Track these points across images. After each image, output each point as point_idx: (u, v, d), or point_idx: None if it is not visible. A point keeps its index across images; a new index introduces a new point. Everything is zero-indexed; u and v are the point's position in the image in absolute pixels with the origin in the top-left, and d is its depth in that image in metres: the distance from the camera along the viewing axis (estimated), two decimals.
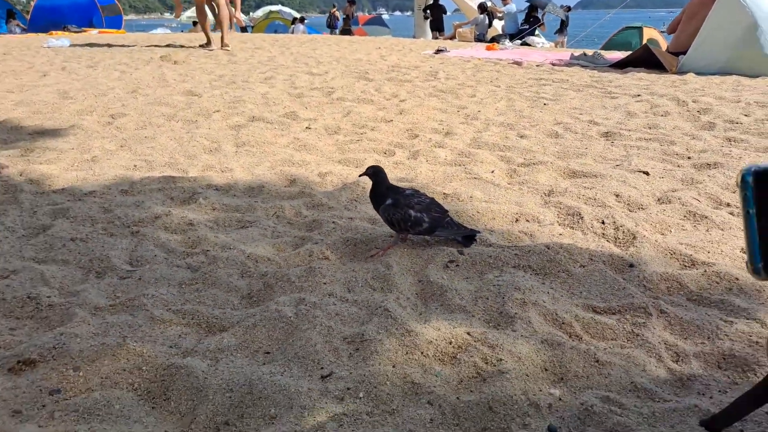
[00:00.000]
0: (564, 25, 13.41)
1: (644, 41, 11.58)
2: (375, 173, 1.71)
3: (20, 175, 2.41)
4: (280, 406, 1.10)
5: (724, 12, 5.69)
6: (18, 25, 13.43)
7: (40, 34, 10.46)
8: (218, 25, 7.62)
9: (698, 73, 5.63)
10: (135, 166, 2.60)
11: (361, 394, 1.14)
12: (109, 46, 7.98)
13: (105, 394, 1.15)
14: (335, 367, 1.23)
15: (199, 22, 8.06)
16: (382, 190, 1.71)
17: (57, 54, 6.87)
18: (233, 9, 7.83)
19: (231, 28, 7.97)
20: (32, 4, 13.10)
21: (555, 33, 13.60)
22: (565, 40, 13.21)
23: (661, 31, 13.22)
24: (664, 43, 10.80)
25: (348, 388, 1.15)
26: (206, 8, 7.54)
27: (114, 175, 2.45)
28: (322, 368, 1.22)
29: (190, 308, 1.47)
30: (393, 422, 1.07)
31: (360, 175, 1.79)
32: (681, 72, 5.78)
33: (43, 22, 11.73)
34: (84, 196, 2.21)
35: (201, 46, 7.69)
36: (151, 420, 1.10)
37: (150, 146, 2.87)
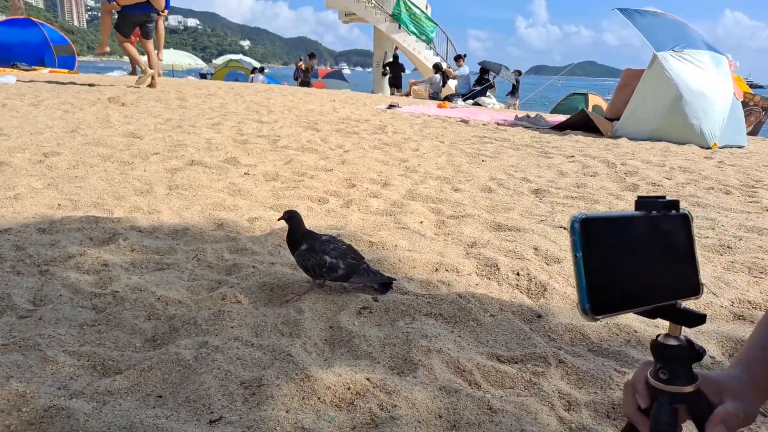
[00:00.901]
0: (515, 88, 14.08)
1: (590, 107, 12.24)
2: (290, 217, 1.73)
3: None
4: None
5: (652, 84, 6.11)
6: None
7: None
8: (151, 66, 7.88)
9: (631, 138, 5.98)
10: (59, 205, 2.54)
11: None
12: (58, 84, 7.88)
13: None
14: (226, 411, 1.20)
15: (132, 59, 8.20)
16: (298, 236, 1.72)
17: (0, 90, 6.73)
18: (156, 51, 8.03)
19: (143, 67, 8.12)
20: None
21: (507, 95, 14.24)
22: (517, 103, 13.83)
23: (606, 99, 14.00)
24: None
25: None
26: (130, 48, 7.78)
27: (34, 213, 2.38)
28: (212, 412, 1.19)
29: (87, 350, 1.42)
30: None
31: (278, 219, 1.80)
32: (615, 136, 6.12)
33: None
34: None
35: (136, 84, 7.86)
36: None
37: (78, 186, 2.81)
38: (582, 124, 6.65)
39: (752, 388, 0.71)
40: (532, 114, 7.46)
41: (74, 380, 1.31)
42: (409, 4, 18.21)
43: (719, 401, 0.68)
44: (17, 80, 7.94)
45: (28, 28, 12.46)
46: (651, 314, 0.65)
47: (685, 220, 0.67)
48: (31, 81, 8.18)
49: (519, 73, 14.83)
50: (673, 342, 0.65)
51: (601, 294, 0.58)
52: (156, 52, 7.91)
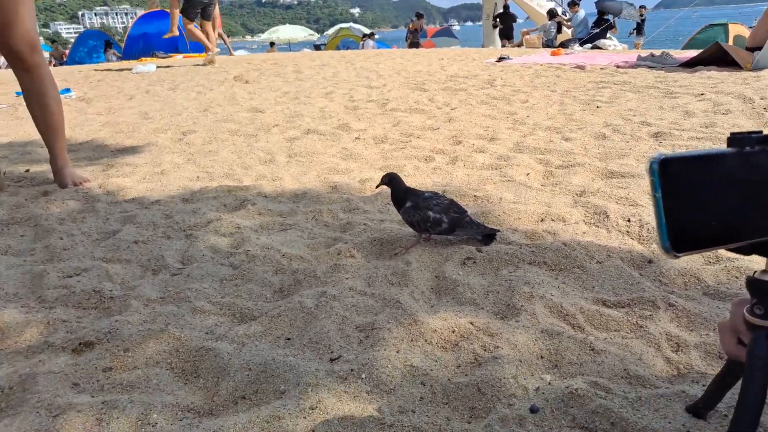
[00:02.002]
0: (640, 26, 12.97)
1: (730, 39, 10.97)
2: (390, 180, 1.82)
3: (99, 188, 2.73)
4: (289, 383, 1.23)
5: None
6: (114, 54, 14.70)
7: (132, 61, 11.41)
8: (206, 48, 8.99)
9: None
10: (197, 177, 2.86)
11: (363, 375, 1.25)
12: (192, 67, 8.60)
13: (147, 371, 1.33)
14: (344, 351, 1.35)
15: (199, 40, 9.02)
16: (401, 195, 1.82)
17: (143, 79, 7.50)
18: (210, 32, 8.90)
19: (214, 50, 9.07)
20: (126, 34, 14.27)
21: (630, 35, 13.17)
22: (642, 40, 12.76)
23: (750, 27, 12.44)
24: None
25: (352, 370, 1.27)
26: (195, 30, 8.60)
27: (178, 186, 2.71)
28: (332, 352, 1.35)
29: (227, 301, 1.64)
30: (387, 400, 1.18)
31: (377, 186, 1.91)
32: (757, 68, 5.48)
33: (135, 49, 12.77)
34: (150, 205, 2.47)
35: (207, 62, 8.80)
36: (181, 393, 1.27)
37: (212, 159, 3.13)
38: (717, 58, 6.01)
39: None
40: (657, 52, 6.87)
41: (218, 326, 1.53)
42: None
43: None
44: (157, 67, 8.78)
45: (163, 20, 13.59)
46: (746, 251, 0.65)
47: None
48: (168, 66, 9.00)
49: (644, 8, 13.59)
50: None
51: (682, 232, 0.60)
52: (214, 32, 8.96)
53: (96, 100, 5.76)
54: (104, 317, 1.59)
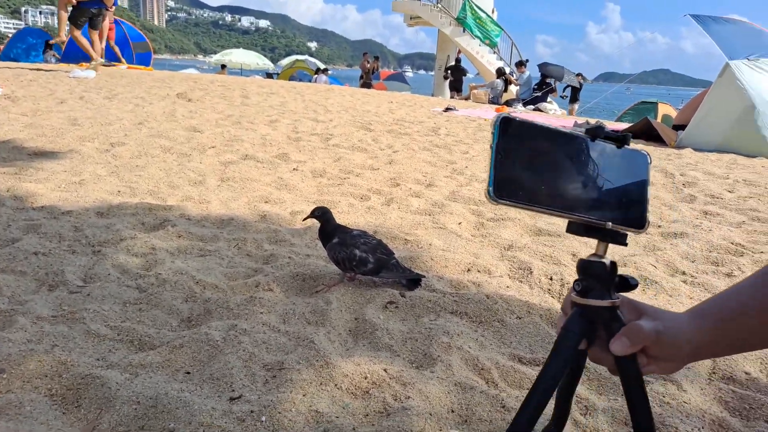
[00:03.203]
0: (576, 92, 13.72)
1: (659, 117, 11.76)
2: (322, 214, 1.78)
3: (6, 191, 2.52)
4: (180, 421, 1.13)
5: (722, 91, 5.83)
6: (54, 55, 14.07)
7: (71, 64, 10.94)
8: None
9: (696, 149, 5.72)
10: (119, 191, 2.70)
11: (263, 418, 1.17)
12: (132, 79, 8.33)
13: (21, 396, 1.19)
14: (246, 390, 1.26)
15: (83, 48, 9.13)
16: (330, 230, 1.77)
17: (79, 84, 7.18)
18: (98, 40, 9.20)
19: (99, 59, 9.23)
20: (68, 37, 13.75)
21: (563, 98, 13.86)
22: (576, 107, 13.48)
23: (677, 108, 13.40)
24: None
25: (252, 411, 1.18)
26: (81, 38, 8.74)
27: (95, 198, 2.55)
28: (233, 390, 1.25)
29: (127, 326, 1.51)
30: None
31: (304, 219, 1.86)
32: (680, 146, 5.88)
33: (76, 54, 12.27)
34: (60, 215, 2.30)
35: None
36: (57, 423, 1.14)
37: (138, 174, 2.98)
38: (645, 132, 6.42)
39: (690, 334, 0.69)
40: (593, 121, 7.26)
41: (112, 353, 1.41)
42: (475, 7, 18.11)
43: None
44: (96, 75, 8.44)
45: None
46: (582, 232, 0.70)
47: (634, 156, 0.72)
48: (109, 75, 8.68)
49: (581, 76, 14.44)
50: (592, 259, 0.69)
51: (504, 183, 0.65)
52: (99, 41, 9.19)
53: (23, 99, 5.44)
54: None
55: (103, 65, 11.07)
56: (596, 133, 0.69)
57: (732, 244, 2.48)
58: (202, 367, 1.34)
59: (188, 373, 1.33)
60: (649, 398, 0.72)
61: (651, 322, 0.69)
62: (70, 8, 8.45)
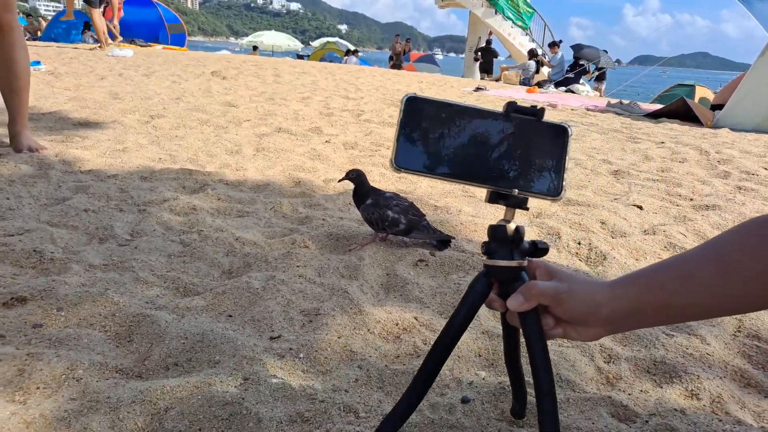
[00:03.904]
0: (603, 73, 13.44)
1: (696, 100, 11.47)
2: (356, 176, 1.84)
3: (55, 156, 2.65)
4: (225, 354, 1.21)
5: (764, 70, 5.67)
6: (92, 36, 14.40)
7: (110, 44, 11.20)
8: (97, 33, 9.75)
9: (734, 129, 5.59)
10: (160, 158, 2.81)
11: (301, 355, 1.24)
12: (169, 58, 8.50)
13: (78, 331, 1.29)
14: (285, 331, 1.34)
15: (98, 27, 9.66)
16: (364, 191, 1.83)
17: (118, 62, 7.37)
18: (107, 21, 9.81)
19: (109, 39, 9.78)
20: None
21: (589, 80, 13.60)
22: (603, 86, 13.21)
23: (716, 92, 13.02)
24: None
25: (290, 349, 1.26)
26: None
27: (138, 164, 2.66)
28: (272, 331, 1.33)
29: (172, 275, 1.61)
30: (322, 379, 1.17)
31: (339, 180, 1.92)
32: (716, 126, 5.76)
33: (113, 35, 12.54)
34: (107, 178, 2.41)
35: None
36: (111, 354, 1.23)
37: (178, 144, 3.09)
38: (681, 113, 6.29)
39: (609, 294, 0.70)
40: (626, 101, 7.15)
41: (159, 297, 1.50)
42: None
43: None
44: (133, 54, 8.64)
45: (146, 8, 13.46)
46: (492, 199, 0.76)
47: (552, 129, 0.76)
48: (146, 54, 8.87)
49: (619, 61, 14.13)
50: (499, 224, 0.75)
51: (405, 154, 0.71)
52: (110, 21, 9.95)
53: (66, 75, 5.63)
54: (41, 276, 1.54)
55: (142, 45, 11.32)
56: (510, 108, 0.74)
57: None
58: (243, 311, 1.43)
59: (230, 316, 1.42)
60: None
61: (552, 283, 0.72)
62: None
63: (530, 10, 18.29)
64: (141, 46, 11.40)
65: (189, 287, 1.56)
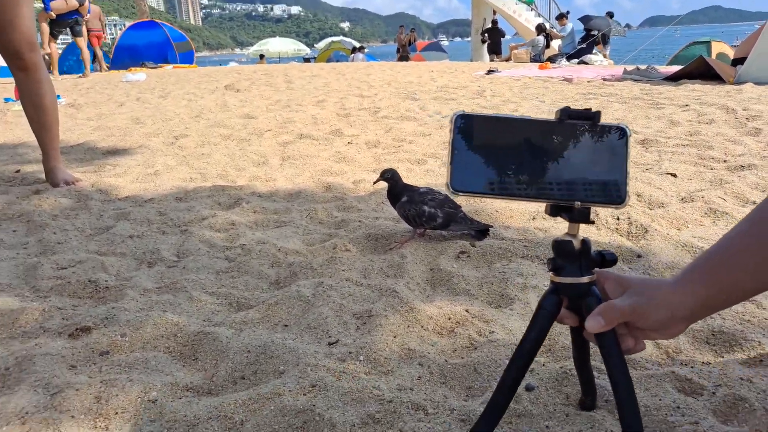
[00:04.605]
0: (606, 37, 13.20)
1: (713, 56, 11.21)
2: (391, 176, 1.86)
3: (92, 186, 2.73)
4: (289, 364, 1.25)
5: None
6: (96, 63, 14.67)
7: (121, 70, 11.40)
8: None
9: (758, 83, 5.47)
10: (191, 178, 2.87)
11: (361, 357, 1.27)
12: (180, 77, 8.62)
13: (145, 354, 1.34)
14: (342, 336, 1.37)
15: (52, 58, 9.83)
16: (398, 190, 1.85)
17: (133, 87, 7.50)
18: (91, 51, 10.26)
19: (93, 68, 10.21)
20: (115, 44, 14.29)
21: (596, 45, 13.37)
22: (608, 52, 12.96)
23: (733, 46, 12.70)
24: None
25: (350, 352, 1.29)
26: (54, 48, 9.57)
27: (171, 186, 2.72)
28: (329, 337, 1.37)
29: (224, 291, 1.65)
30: (385, 379, 1.19)
31: (374, 182, 1.94)
32: (739, 82, 5.63)
33: (123, 60, 12.77)
34: (144, 203, 2.47)
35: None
36: (180, 374, 1.28)
37: (206, 161, 3.15)
38: (701, 72, 6.17)
39: (681, 294, 0.70)
40: (643, 66, 7.03)
41: (215, 314, 1.55)
42: None
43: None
44: (146, 77, 8.79)
45: (152, 30, 13.65)
46: (553, 212, 0.73)
47: (609, 131, 0.72)
48: (158, 76, 9.01)
49: (628, 25, 13.87)
50: (564, 239, 0.72)
51: (463, 176, 0.69)
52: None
53: (86, 106, 5.75)
54: (100, 305, 1.60)
55: (152, 67, 11.49)
56: (563, 115, 0.71)
57: None
58: (298, 320, 1.46)
59: (286, 325, 1.45)
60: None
61: (627, 299, 0.70)
62: (49, 21, 9.19)
63: None
64: (152, 68, 11.58)
65: (241, 301, 1.60)
